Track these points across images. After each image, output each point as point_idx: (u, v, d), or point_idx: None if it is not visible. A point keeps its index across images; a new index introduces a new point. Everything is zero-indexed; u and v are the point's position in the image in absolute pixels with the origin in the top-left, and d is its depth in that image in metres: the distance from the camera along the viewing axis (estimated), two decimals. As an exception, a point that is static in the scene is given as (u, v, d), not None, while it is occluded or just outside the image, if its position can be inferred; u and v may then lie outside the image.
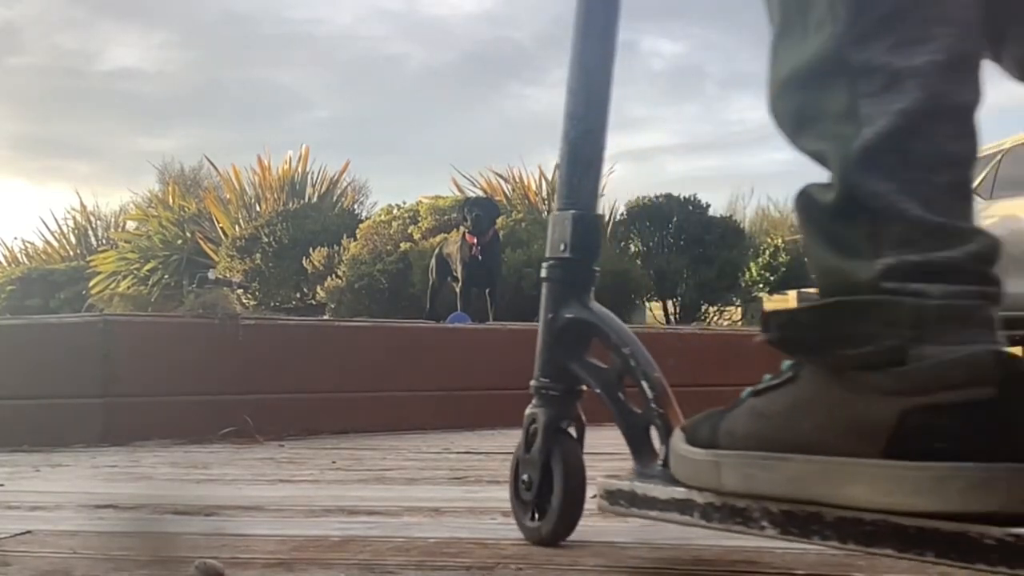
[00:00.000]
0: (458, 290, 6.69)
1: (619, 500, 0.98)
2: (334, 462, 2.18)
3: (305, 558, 1.06)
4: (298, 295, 9.43)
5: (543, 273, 1.17)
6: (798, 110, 0.82)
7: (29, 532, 1.25)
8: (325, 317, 7.12)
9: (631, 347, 1.07)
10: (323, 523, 1.31)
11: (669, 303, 8.75)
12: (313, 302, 8.96)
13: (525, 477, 1.14)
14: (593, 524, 1.28)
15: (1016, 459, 0.67)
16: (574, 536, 1.18)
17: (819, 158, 0.81)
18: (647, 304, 9.00)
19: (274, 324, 3.31)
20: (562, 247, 1.14)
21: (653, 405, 1.03)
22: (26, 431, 2.68)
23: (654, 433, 1.04)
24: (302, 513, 1.39)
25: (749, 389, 0.86)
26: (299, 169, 11.67)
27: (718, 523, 0.85)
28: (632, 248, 8.59)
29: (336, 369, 3.18)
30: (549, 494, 1.11)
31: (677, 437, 0.93)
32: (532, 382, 1.16)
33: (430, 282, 7.17)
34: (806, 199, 0.84)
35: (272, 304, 9.11)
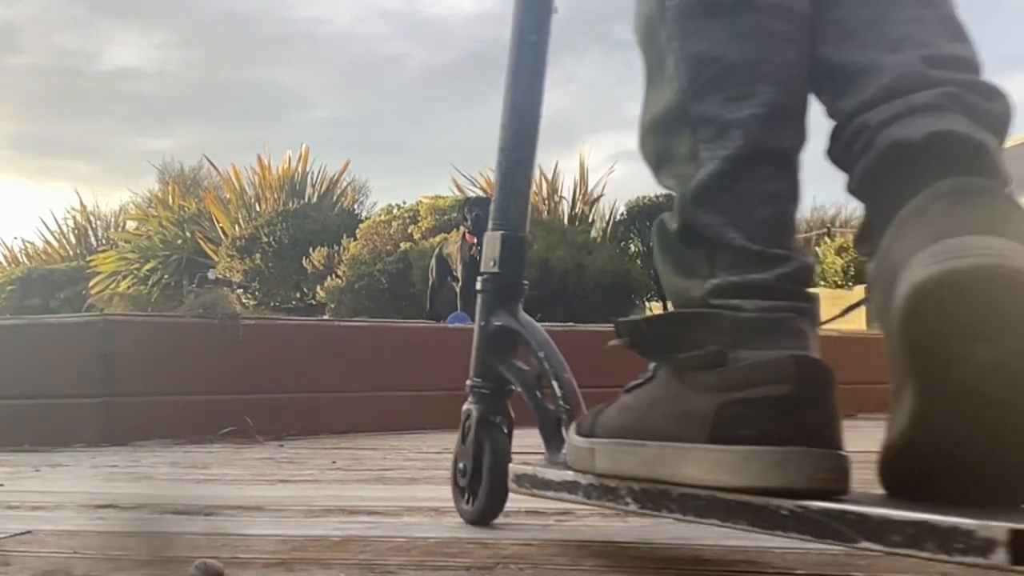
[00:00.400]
0: (458, 290, 6.70)
1: (524, 483, 1.13)
2: (334, 462, 2.18)
3: (305, 558, 1.06)
4: (298, 295, 9.44)
5: (478, 286, 1.30)
6: (656, 151, 0.97)
7: (29, 532, 1.25)
8: (325, 317, 7.12)
9: (546, 351, 1.21)
10: (323, 523, 1.31)
11: (669, 303, 8.75)
12: (313, 302, 8.96)
13: (461, 465, 1.29)
14: (593, 524, 1.28)
15: (805, 444, 0.83)
16: (574, 536, 1.18)
17: (672, 193, 0.95)
18: (647, 304, 9.00)
19: (274, 324, 3.31)
20: (492, 263, 1.28)
21: (562, 403, 1.18)
22: (26, 431, 2.69)
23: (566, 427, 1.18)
24: (302, 513, 1.39)
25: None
26: (299, 169, 11.68)
27: (595, 500, 0.99)
28: (632, 248, 8.60)
29: (336, 369, 3.18)
30: (480, 480, 1.25)
31: (572, 429, 1.08)
32: (468, 382, 1.29)
33: (430, 282, 7.17)
34: (659, 226, 0.98)
35: (272, 304, 9.11)
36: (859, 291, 15.37)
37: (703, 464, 0.86)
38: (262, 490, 1.70)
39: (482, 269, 1.30)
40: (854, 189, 0.90)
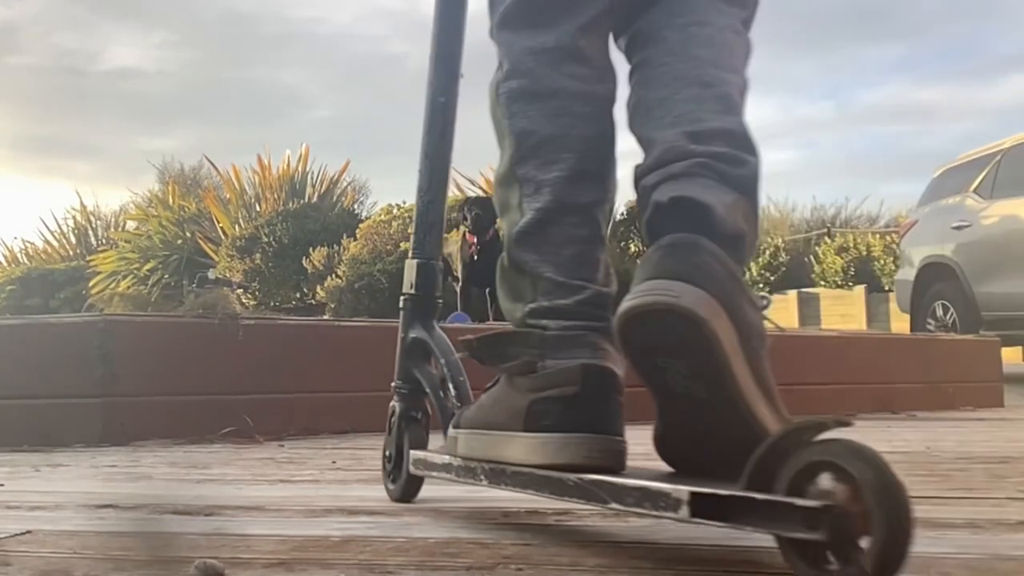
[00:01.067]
0: (458, 290, 6.69)
1: (419, 466, 1.40)
2: (334, 462, 2.18)
3: (305, 558, 1.06)
4: (298, 295, 9.44)
5: (400, 304, 1.55)
6: (499, 201, 1.25)
7: (29, 532, 1.25)
8: (325, 317, 7.12)
9: (447, 360, 1.44)
10: (323, 523, 1.31)
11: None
12: (313, 302, 8.96)
13: (387, 453, 1.55)
14: (593, 524, 1.28)
15: (586, 431, 1.08)
16: (574, 536, 1.18)
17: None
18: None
19: (274, 324, 3.31)
20: (410, 286, 1.53)
21: (455, 401, 1.39)
22: (26, 431, 2.69)
23: None
24: (302, 513, 1.39)
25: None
26: (299, 169, 11.68)
27: (461, 478, 1.26)
28: (632, 248, 8.59)
29: (336, 369, 3.17)
30: (402, 465, 1.49)
31: (453, 421, 1.32)
32: (392, 383, 1.56)
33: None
34: (501, 260, 1.24)
35: (272, 304, 9.12)
36: (859, 291, 15.37)
37: (519, 448, 1.14)
38: (262, 490, 1.71)
39: (403, 291, 1.54)
40: (642, 237, 1.16)
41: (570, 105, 1.18)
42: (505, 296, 1.23)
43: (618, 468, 1.09)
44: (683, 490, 0.91)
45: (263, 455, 2.37)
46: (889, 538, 0.77)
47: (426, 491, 1.65)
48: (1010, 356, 8.58)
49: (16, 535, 1.22)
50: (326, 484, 1.79)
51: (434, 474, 1.35)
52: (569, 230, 1.16)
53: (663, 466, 1.08)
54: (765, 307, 1.02)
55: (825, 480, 0.81)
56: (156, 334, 2.94)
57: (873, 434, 2.96)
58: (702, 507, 0.89)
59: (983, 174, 7.53)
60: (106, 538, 1.24)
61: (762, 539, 1.07)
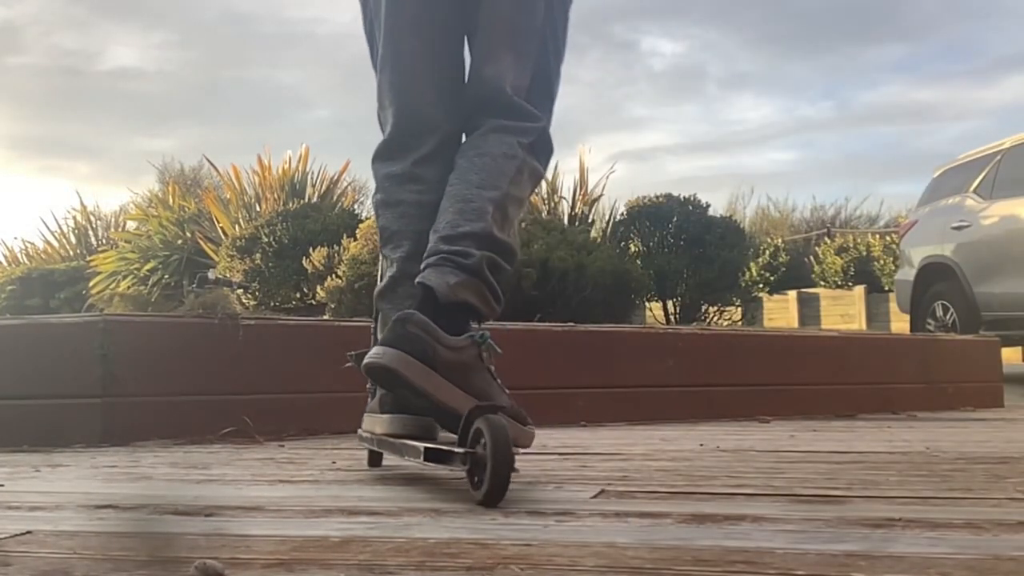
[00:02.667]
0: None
1: (359, 437, 1.92)
2: (334, 462, 2.18)
3: (305, 558, 1.06)
4: (298, 295, 9.43)
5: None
6: (380, 270, 1.86)
7: (29, 532, 1.25)
8: (325, 317, 7.12)
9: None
10: (323, 523, 1.31)
11: (669, 303, 8.74)
12: (313, 302, 8.95)
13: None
14: (593, 524, 1.28)
15: (402, 412, 1.71)
16: (574, 536, 1.18)
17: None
18: (647, 304, 8.99)
19: (274, 324, 3.30)
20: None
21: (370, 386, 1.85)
22: (26, 431, 2.68)
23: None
24: (302, 513, 1.39)
25: None
26: (299, 169, 11.67)
27: (367, 446, 1.88)
28: (632, 248, 8.58)
29: (336, 369, 3.17)
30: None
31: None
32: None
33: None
34: (374, 300, 1.86)
35: (272, 304, 9.11)
36: (859, 291, 15.38)
37: (380, 424, 1.75)
38: (262, 490, 1.70)
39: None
40: None
41: (408, 210, 1.78)
42: (378, 329, 1.84)
43: (427, 437, 1.65)
44: (421, 446, 1.54)
45: (263, 455, 2.37)
46: (493, 476, 1.35)
47: (426, 491, 1.65)
48: (1010, 356, 8.58)
49: (16, 535, 1.22)
50: (326, 484, 1.79)
51: (364, 445, 1.91)
52: (409, 289, 1.69)
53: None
54: (474, 340, 1.56)
55: (480, 438, 1.38)
56: (156, 334, 2.94)
57: (873, 434, 2.96)
58: (431, 455, 1.51)
59: (983, 174, 7.53)
60: (106, 538, 1.24)
61: (762, 539, 1.07)
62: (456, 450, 1.43)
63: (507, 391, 1.64)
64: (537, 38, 1.72)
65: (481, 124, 1.72)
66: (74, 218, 15.90)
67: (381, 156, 1.82)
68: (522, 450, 1.53)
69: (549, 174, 9.51)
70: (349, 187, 12.98)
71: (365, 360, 1.53)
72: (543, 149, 1.75)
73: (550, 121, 1.76)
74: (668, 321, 8.67)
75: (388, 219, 1.80)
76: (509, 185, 1.66)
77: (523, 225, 8.01)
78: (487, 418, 1.37)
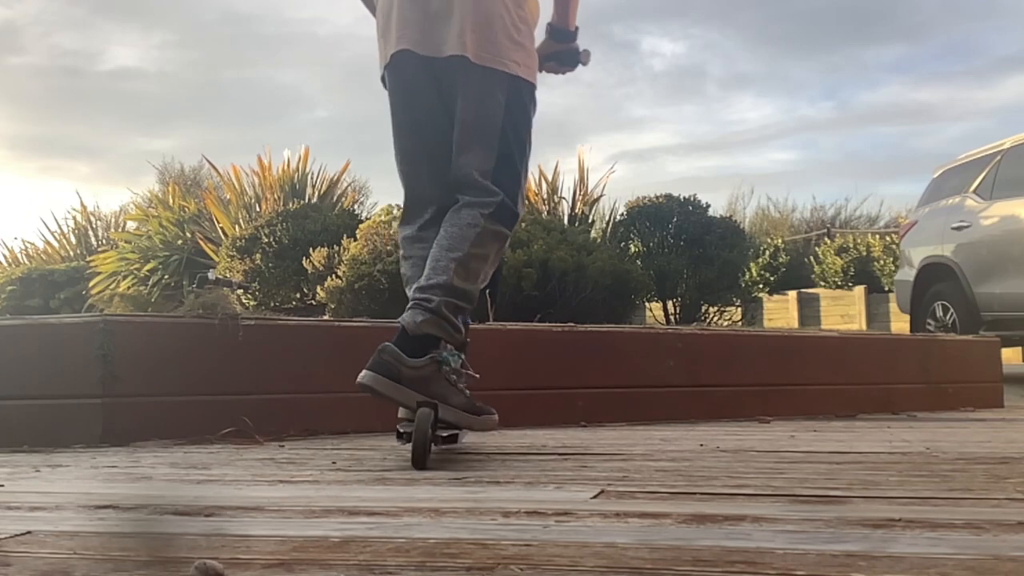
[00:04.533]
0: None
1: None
2: (334, 462, 2.18)
3: (305, 558, 1.06)
4: (298, 295, 9.43)
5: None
6: (402, 270, 2.44)
7: (29, 532, 1.25)
8: (325, 317, 7.12)
9: None
10: (323, 523, 1.31)
11: (669, 303, 8.74)
12: (313, 302, 8.95)
13: None
14: (593, 524, 1.28)
15: (366, 368, 2.11)
16: (574, 536, 1.18)
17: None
18: (647, 304, 8.99)
19: (274, 324, 3.30)
20: None
21: None
22: (26, 431, 2.68)
23: None
24: (302, 513, 1.39)
25: None
26: (299, 169, 11.67)
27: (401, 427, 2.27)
28: (632, 248, 8.58)
29: (336, 369, 3.17)
30: None
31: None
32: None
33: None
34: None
35: (272, 304, 9.11)
36: (859, 291, 15.37)
37: (400, 412, 2.26)
38: (262, 490, 1.70)
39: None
40: None
41: (417, 262, 2.32)
42: None
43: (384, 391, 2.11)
44: (401, 430, 2.25)
45: (263, 455, 2.37)
46: (413, 444, 2.05)
47: (426, 491, 1.65)
48: (1010, 356, 8.58)
49: (16, 535, 1.22)
50: (326, 484, 1.79)
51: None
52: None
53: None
54: (433, 359, 2.13)
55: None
56: (156, 334, 2.94)
57: (873, 434, 2.96)
58: (399, 436, 2.24)
59: (983, 174, 7.53)
60: (106, 538, 1.24)
61: (762, 539, 1.07)
62: (400, 430, 2.24)
63: (467, 393, 2.22)
64: (498, 134, 2.29)
65: (458, 200, 2.29)
66: (74, 218, 15.90)
67: (400, 221, 2.47)
68: (480, 431, 2.37)
69: (548, 174, 9.55)
70: (349, 187, 12.99)
71: (358, 379, 2.09)
72: (503, 215, 2.29)
73: (517, 192, 2.34)
74: (668, 321, 8.67)
75: (406, 268, 2.39)
76: (470, 247, 2.22)
77: (523, 225, 8.01)
78: (420, 410, 2.06)
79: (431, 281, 2.18)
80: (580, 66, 2.67)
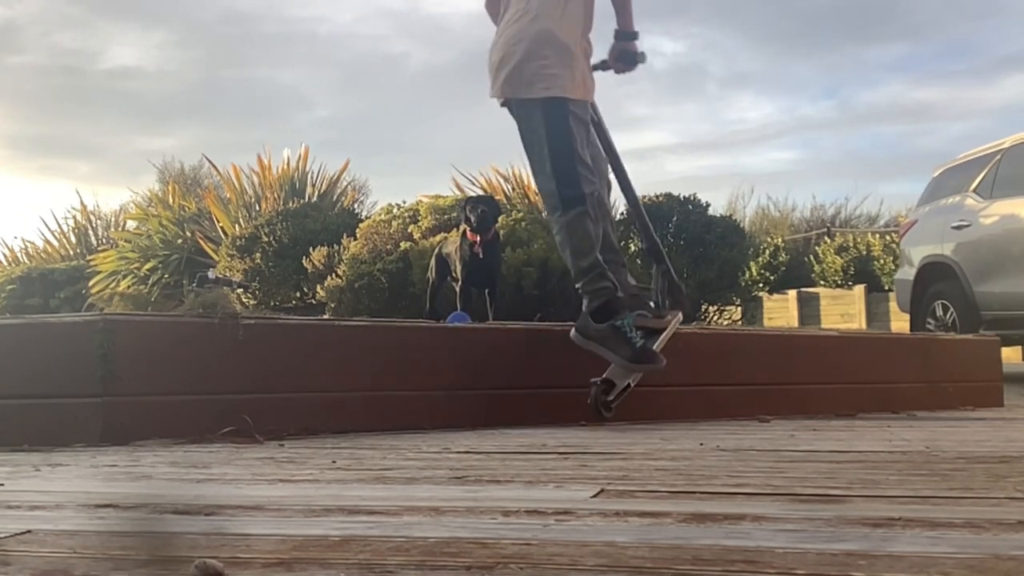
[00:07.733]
0: (458, 289, 6.69)
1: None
2: (334, 462, 2.18)
3: (305, 558, 1.06)
4: (298, 295, 9.43)
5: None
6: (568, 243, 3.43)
7: (29, 532, 1.25)
8: (325, 317, 7.12)
9: None
10: (323, 523, 1.31)
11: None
12: (313, 302, 8.96)
13: None
14: (593, 524, 1.28)
15: None
16: (574, 536, 1.18)
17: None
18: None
19: (274, 324, 3.30)
20: None
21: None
22: (26, 430, 2.68)
23: None
24: (302, 513, 1.39)
25: None
26: (299, 169, 11.67)
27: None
28: (632, 248, 8.58)
29: (336, 369, 3.17)
30: None
31: None
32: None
33: (430, 282, 7.16)
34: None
35: (272, 304, 9.11)
36: (859, 291, 15.36)
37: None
38: (262, 490, 1.70)
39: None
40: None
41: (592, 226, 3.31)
42: None
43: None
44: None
45: (263, 455, 2.37)
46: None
47: (426, 491, 1.65)
48: (1010, 356, 8.57)
49: (16, 535, 1.22)
50: (326, 484, 1.79)
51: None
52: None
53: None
54: (612, 325, 3.28)
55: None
56: (156, 334, 2.94)
57: (873, 434, 2.96)
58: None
59: (983, 174, 7.53)
60: (106, 538, 1.24)
61: (762, 539, 1.07)
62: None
63: (639, 336, 3.26)
64: (538, 168, 3.26)
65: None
66: (74, 218, 15.91)
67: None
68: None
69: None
70: (349, 187, 12.99)
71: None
72: (551, 205, 3.29)
73: (556, 188, 3.22)
74: (668, 321, 8.65)
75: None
76: (557, 235, 3.34)
77: (523, 225, 8.02)
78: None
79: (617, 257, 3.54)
80: (639, 65, 3.46)
